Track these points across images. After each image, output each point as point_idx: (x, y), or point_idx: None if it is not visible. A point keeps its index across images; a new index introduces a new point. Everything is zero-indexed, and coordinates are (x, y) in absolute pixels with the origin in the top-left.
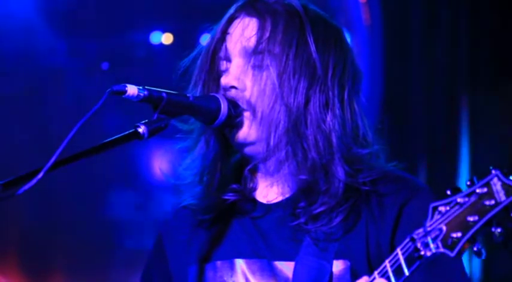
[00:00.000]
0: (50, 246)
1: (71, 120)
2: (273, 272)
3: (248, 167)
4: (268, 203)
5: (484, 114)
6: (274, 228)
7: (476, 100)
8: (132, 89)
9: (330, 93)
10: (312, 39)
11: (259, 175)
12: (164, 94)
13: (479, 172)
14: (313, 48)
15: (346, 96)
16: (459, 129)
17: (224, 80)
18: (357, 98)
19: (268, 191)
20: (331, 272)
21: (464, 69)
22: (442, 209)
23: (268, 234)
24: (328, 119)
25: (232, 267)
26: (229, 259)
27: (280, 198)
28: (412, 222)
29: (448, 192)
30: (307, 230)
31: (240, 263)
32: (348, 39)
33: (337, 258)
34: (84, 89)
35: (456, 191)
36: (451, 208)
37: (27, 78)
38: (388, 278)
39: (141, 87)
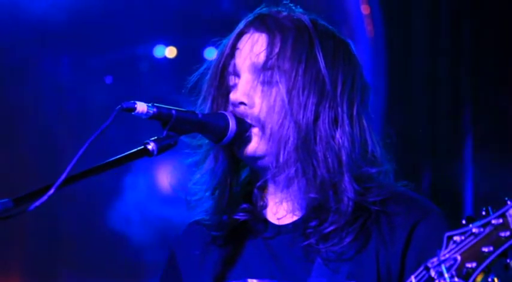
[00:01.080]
0: (52, 259)
1: (74, 133)
2: None
3: (258, 184)
4: (279, 222)
5: (488, 120)
6: (285, 249)
7: (480, 106)
8: (141, 106)
9: (339, 109)
10: (321, 55)
11: (268, 192)
12: (174, 111)
13: (483, 182)
14: (322, 64)
15: (355, 112)
16: (463, 135)
17: (233, 96)
18: (365, 113)
19: (278, 209)
20: None
21: (467, 79)
22: (457, 238)
23: (279, 255)
24: (338, 135)
25: None
26: (243, 279)
27: (290, 217)
28: (423, 245)
29: (463, 222)
30: (318, 250)
31: None
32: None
33: (349, 279)
34: (88, 102)
35: (471, 220)
36: (466, 238)
37: (31, 91)
38: None
39: (150, 104)
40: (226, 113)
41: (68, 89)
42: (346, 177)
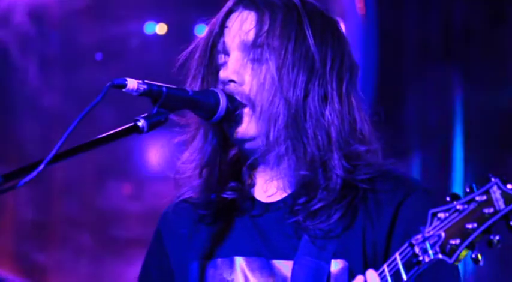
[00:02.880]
0: (45, 237)
1: (64, 110)
2: (271, 270)
3: (247, 162)
4: (268, 200)
5: (478, 105)
6: (273, 227)
7: (471, 89)
8: (132, 83)
9: (329, 86)
10: (310, 33)
11: (258, 170)
12: (164, 88)
13: (473, 163)
14: (311, 41)
15: (344, 90)
16: (453, 120)
17: (223, 74)
18: (354, 90)
19: (268, 186)
20: (329, 272)
21: (460, 59)
22: (441, 215)
23: (267, 232)
24: (327, 112)
25: (231, 265)
26: (229, 257)
27: (279, 194)
28: (409, 222)
29: (448, 199)
30: (306, 227)
31: (240, 261)
32: (343, 30)
33: (335, 257)
34: (78, 79)
35: (455, 197)
36: (450, 215)
37: (19, 67)
38: None
39: (141, 81)
40: (217, 90)
41: (57, 65)
42: (335, 155)
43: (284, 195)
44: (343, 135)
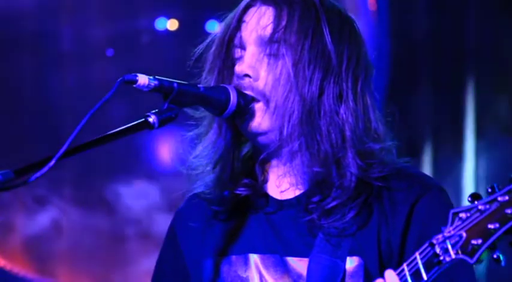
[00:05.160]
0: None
1: (75, 106)
2: (286, 267)
3: (261, 157)
4: (282, 197)
5: (491, 99)
6: (287, 224)
7: (484, 84)
8: (143, 79)
9: (344, 85)
10: (327, 30)
11: (271, 165)
12: (175, 84)
13: (484, 161)
14: (328, 39)
15: (359, 89)
16: (465, 116)
17: (238, 68)
18: (369, 90)
19: (281, 182)
20: (345, 270)
21: (471, 53)
22: (462, 215)
23: (281, 229)
24: (342, 111)
25: (246, 262)
26: (244, 254)
27: (292, 191)
28: (424, 220)
29: (469, 199)
30: (320, 225)
31: (254, 258)
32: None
33: (351, 255)
34: (89, 75)
35: (477, 197)
36: (471, 215)
37: (31, 63)
38: None
39: (151, 77)
40: (228, 87)
41: (68, 61)
42: (349, 153)
43: (297, 192)
44: (358, 134)
